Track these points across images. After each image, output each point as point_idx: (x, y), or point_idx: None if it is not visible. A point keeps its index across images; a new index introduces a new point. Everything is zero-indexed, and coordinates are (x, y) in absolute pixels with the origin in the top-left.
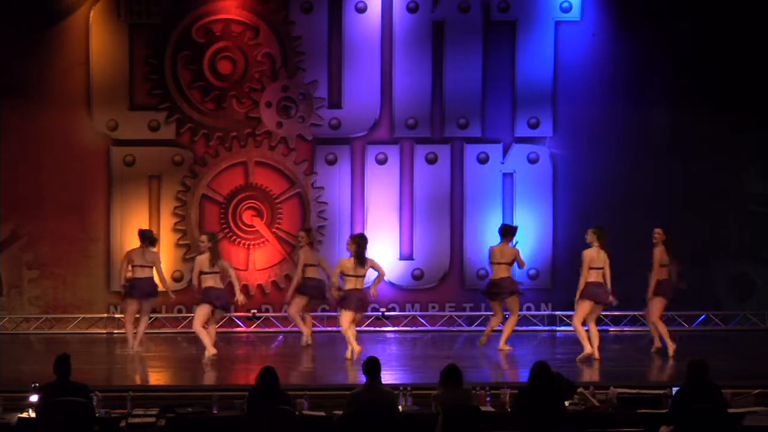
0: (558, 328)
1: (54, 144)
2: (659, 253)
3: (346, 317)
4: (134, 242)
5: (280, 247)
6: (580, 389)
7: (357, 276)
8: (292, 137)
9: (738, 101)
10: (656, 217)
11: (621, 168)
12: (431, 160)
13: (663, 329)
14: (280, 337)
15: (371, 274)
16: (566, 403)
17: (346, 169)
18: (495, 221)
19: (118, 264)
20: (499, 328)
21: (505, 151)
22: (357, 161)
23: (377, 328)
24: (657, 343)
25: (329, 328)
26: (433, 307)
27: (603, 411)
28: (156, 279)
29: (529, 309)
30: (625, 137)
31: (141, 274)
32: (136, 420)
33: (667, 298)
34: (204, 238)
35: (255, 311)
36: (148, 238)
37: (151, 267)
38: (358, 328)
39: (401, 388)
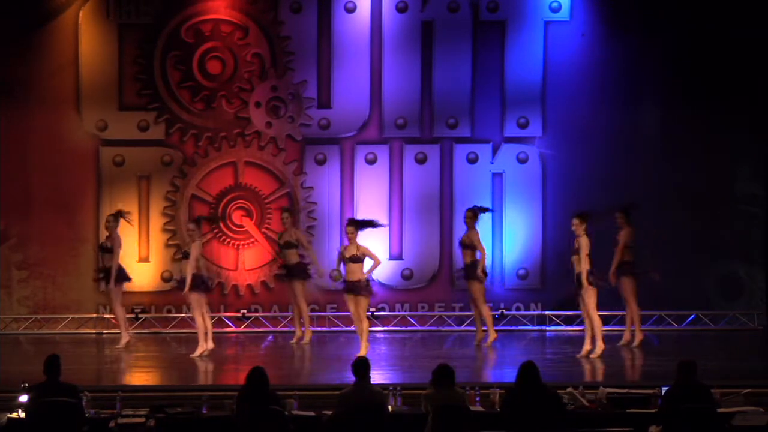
0: (548, 328)
1: (43, 144)
2: (626, 235)
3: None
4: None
5: (269, 247)
6: (569, 389)
7: None
8: (282, 137)
9: (728, 102)
10: (645, 217)
11: (610, 168)
12: (420, 160)
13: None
14: (270, 337)
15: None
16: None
17: (336, 169)
18: (484, 221)
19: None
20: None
21: (495, 151)
22: (346, 161)
23: None
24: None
25: (318, 328)
26: (423, 307)
27: (592, 411)
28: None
29: (518, 309)
30: (614, 137)
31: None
32: (126, 420)
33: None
34: (192, 226)
35: (245, 311)
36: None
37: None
38: (349, 329)
39: (391, 388)
